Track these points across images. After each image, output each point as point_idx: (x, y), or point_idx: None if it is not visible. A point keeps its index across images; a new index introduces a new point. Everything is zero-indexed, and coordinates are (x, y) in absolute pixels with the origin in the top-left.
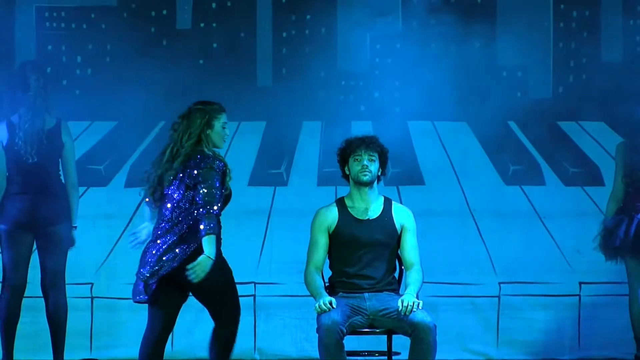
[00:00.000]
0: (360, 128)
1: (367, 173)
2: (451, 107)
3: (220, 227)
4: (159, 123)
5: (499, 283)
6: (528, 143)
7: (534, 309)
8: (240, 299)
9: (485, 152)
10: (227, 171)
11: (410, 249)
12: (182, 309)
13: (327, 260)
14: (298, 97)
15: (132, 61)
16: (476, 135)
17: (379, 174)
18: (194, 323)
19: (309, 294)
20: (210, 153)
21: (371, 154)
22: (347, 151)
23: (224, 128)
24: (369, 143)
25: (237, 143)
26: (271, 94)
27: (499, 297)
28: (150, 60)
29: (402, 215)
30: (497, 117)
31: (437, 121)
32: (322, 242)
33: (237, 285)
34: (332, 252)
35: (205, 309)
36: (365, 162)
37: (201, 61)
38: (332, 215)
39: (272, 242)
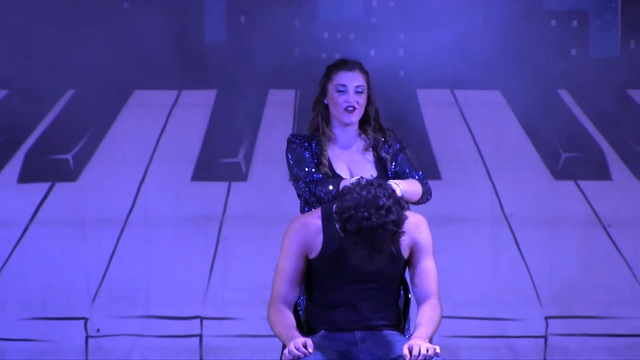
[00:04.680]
0: None
1: None
2: (478, 70)
3: None
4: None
5: (546, 318)
6: (587, 121)
7: (595, 354)
8: (182, 339)
9: (526, 134)
10: None
11: (423, 275)
12: None
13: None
14: (262, 57)
15: None
16: (513, 110)
17: None
18: None
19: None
20: None
21: None
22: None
23: None
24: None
25: (176, 120)
26: (224, 52)
27: (545, 337)
28: None
29: (410, 231)
30: (543, 84)
31: (458, 89)
32: (296, 267)
33: (179, 321)
34: (312, 276)
35: None
36: None
37: (126, 5)
38: (313, 231)
39: (225, 261)
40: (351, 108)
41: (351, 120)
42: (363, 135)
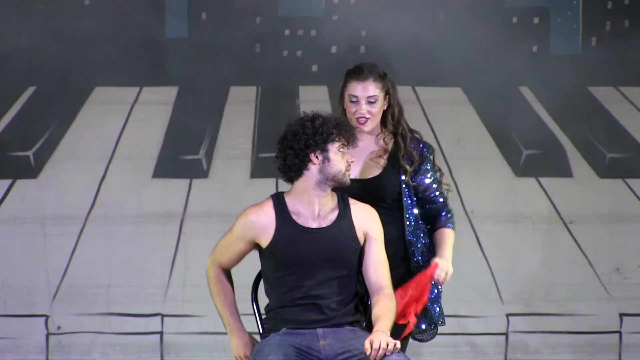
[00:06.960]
0: (312, 95)
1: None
2: (440, 66)
3: None
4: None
5: (507, 315)
6: (548, 117)
7: (557, 351)
8: (143, 336)
9: (487, 131)
10: None
11: (376, 265)
12: None
13: (263, 284)
14: (223, 53)
15: None
16: (475, 107)
17: None
18: None
19: None
20: None
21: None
22: (328, 132)
23: None
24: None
25: (137, 117)
26: (185, 49)
27: (506, 334)
28: None
29: (363, 218)
30: (505, 81)
31: (419, 86)
32: (241, 249)
33: (139, 318)
34: (268, 273)
35: None
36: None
37: (87, 1)
38: (265, 223)
39: (186, 258)
40: (363, 119)
41: (363, 129)
42: (381, 141)
